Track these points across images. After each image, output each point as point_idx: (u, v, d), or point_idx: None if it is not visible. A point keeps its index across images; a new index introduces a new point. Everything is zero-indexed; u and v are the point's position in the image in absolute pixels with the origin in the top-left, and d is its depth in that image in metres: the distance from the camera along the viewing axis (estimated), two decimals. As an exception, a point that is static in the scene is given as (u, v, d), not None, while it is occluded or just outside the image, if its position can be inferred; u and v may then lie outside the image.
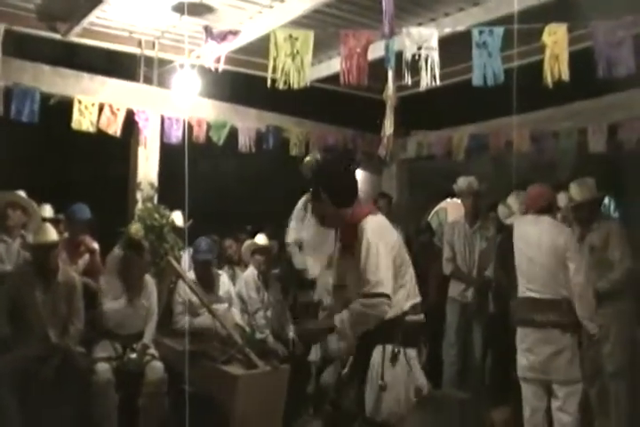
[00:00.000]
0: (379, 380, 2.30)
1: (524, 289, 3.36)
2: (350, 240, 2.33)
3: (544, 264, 3.29)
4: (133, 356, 3.78)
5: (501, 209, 4.34)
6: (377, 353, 2.39)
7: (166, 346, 4.00)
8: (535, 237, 3.36)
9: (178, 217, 4.72)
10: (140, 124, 4.89)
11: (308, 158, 4.20)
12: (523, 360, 3.37)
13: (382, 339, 2.39)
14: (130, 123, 4.87)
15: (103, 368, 3.60)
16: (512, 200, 4.21)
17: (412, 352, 2.43)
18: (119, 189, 5.11)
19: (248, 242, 4.84)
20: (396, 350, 2.36)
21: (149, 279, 4.11)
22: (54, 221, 4.28)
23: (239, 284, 4.70)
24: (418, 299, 2.47)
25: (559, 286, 3.26)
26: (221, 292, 4.40)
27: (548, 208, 3.45)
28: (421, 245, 5.25)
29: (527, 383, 3.38)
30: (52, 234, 3.66)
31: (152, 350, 3.88)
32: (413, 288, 2.46)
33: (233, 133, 5.27)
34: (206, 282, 4.35)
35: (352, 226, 2.34)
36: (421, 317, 2.49)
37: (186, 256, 4.70)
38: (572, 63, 3.30)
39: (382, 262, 2.25)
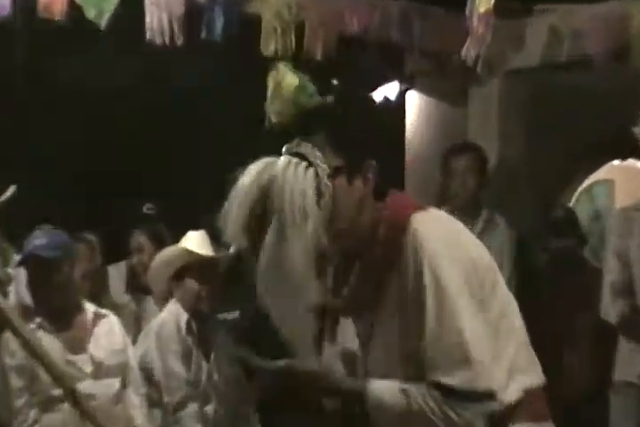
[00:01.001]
0: None
1: None
2: (383, 258, 2.50)
3: None
4: None
5: None
6: None
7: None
8: None
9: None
10: None
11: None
12: None
13: None
14: None
15: None
16: None
17: None
18: None
19: (170, 248, 4.92)
20: None
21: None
22: None
23: (145, 340, 4.75)
24: (537, 380, 2.45)
25: None
26: (105, 355, 4.42)
27: None
28: (556, 259, 5.35)
29: None
30: None
31: None
32: (514, 359, 2.45)
33: (131, 5, 4.83)
34: (64, 324, 4.40)
35: (392, 229, 2.52)
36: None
37: (21, 278, 4.73)
38: None
39: (468, 314, 2.37)
